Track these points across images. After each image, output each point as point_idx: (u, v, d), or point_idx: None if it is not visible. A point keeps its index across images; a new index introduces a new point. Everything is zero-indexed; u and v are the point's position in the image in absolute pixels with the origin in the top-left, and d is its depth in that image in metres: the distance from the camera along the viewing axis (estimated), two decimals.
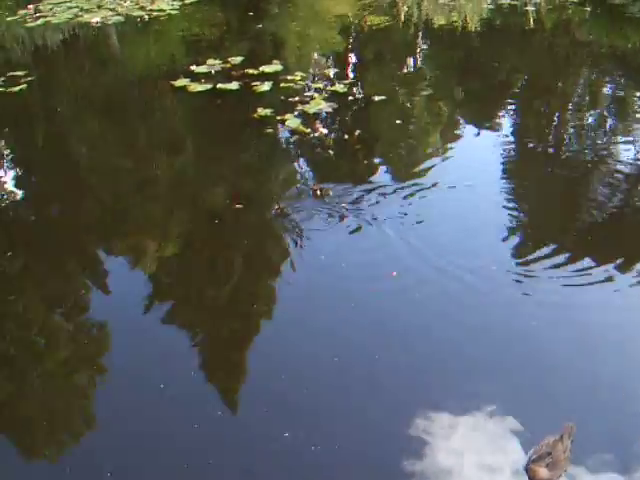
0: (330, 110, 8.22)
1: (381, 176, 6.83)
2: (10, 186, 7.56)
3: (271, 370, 4.54)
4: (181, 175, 7.41)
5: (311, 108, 8.25)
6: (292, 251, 5.75)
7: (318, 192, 6.59)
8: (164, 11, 13.81)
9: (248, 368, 4.64)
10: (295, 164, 7.20)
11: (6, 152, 8.73)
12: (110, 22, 13.51)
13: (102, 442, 4.11)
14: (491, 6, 13.65)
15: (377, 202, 6.30)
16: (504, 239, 5.69)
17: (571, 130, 8.04)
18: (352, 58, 10.80)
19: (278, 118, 8.08)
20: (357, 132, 7.62)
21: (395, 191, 6.52)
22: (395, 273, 5.29)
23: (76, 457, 4.07)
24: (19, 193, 7.46)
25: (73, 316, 5.45)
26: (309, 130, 7.70)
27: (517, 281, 5.15)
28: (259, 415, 4.17)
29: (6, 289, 5.69)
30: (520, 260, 5.41)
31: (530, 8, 13.17)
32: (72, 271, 6.06)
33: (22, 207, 7.27)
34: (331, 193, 6.48)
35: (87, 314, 5.37)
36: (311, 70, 10.12)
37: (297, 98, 8.62)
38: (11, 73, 10.68)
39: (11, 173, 7.99)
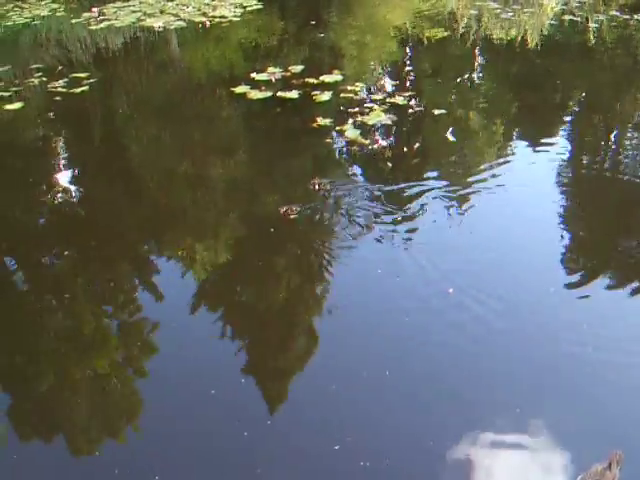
0: (389, 122, 8.20)
1: (436, 192, 6.80)
2: (65, 185, 7.71)
3: (320, 380, 4.55)
4: (236, 181, 7.45)
5: (370, 119, 8.26)
6: (345, 262, 5.76)
7: (316, 186, 6.77)
8: (226, 18, 13.92)
9: (297, 377, 4.65)
10: (353, 176, 7.19)
11: (64, 151, 8.88)
12: (172, 27, 13.68)
13: (149, 445, 4.17)
14: (553, 22, 13.53)
15: (434, 221, 6.28)
16: (560, 261, 5.63)
17: (629, 151, 7.93)
18: (409, 69, 10.78)
19: (337, 128, 8.11)
20: (416, 145, 7.61)
21: (450, 207, 6.51)
22: (452, 290, 5.26)
23: (123, 458, 4.09)
24: (74, 192, 7.58)
25: (123, 317, 5.50)
26: (368, 141, 7.71)
27: (566, 302, 5.10)
28: (309, 426, 4.20)
29: (60, 287, 5.80)
30: (574, 283, 5.33)
31: (592, 25, 13.03)
32: (123, 271, 6.14)
33: (77, 206, 7.38)
34: (329, 187, 6.69)
35: (137, 315, 5.43)
36: (370, 81, 10.13)
37: (357, 109, 8.63)
38: (74, 74, 10.88)
39: (67, 172, 8.13)
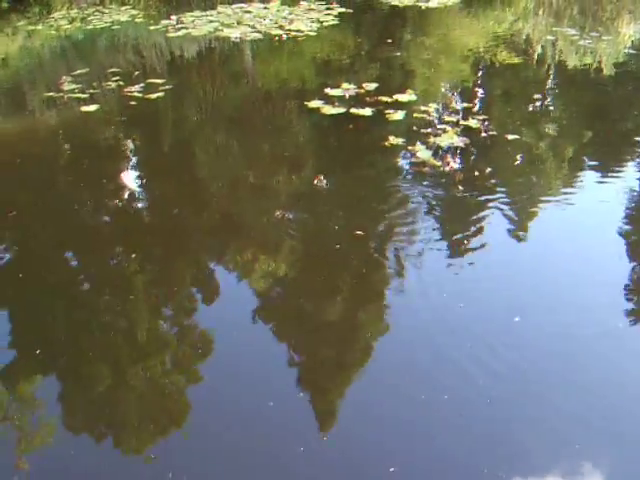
0: (462, 145, 8.17)
1: (503, 218, 6.76)
2: (133, 188, 7.84)
3: (378, 399, 4.53)
4: (303, 196, 7.48)
5: (443, 141, 8.22)
6: (410, 282, 5.75)
7: (317, 182, 7.18)
8: (302, 32, 14.01)
9: (354, 395, 4.62)
10: (422, 197, 7.17)
11: (135, 155, 9.03)
12: (248, 38, 13.82)
13: (201, 451, 4.17)
14: (630, 50, 13.33)
15: (498, 246, 6.28)
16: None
17: None
18: (482, 92, 10.71)
19: (409, 148, 8.09)
20: (488, 170, 7.55)
21: (516, 234, 6.52)
22: (518, 319, 5.19)
23: (177, 464, 4.12)
24: (141, 195, 7.71)
25: (180, 321, 5.57)
26: (440, 163, 7.68)
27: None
28: (365, 445, 4.18)
29: (122, 288, 5.90)
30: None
31: None
32: (184, 276, 6.20)
33: (143, 209, 7.52)
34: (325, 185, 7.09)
35: (194, 321, 5.51)
36: (443, 102, 10.09)
37: (429, 130, 8.61)
38: (150, 80, 11.06)
39: (136, 175, 8.28)
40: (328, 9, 16.20)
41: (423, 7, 16.53)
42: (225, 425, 4.37)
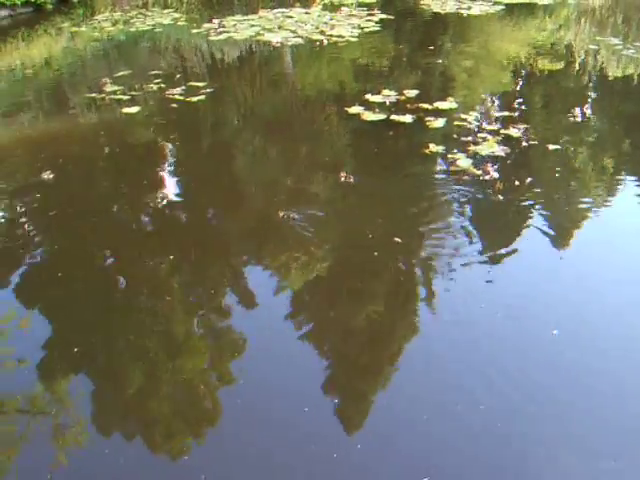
0: (503, 154, 8.12)
1: (541, 231, 6.70)
2: (171, 189, 7.89)
3: (411, 407, 4.49)
4: (341, 201, 7.48)
5: (483, 150, 8.18)
6: (447, 291, 5.72)
7: (343, 178, 7.30)
8: (343, 37, 14.04)
9: (389, 403, 4.59)
10: (462, 205, 7.14)
11: (174, 157, 9.09)
12: (289, 43, 13.87)
13: (232, 455, 4.19)
14: None
15: (535, 259, 6.25)
16: None
17: None
18: (522, 101, 10.64)
19: (449, 156, 8.06)
20: (529, 180, 7.50)
21: (553, 242, 6.49)
22: (556, 332, 5.13)
23: (210, 466, 4.14)
24: (179, 197, 7.75)
25: (215, 323, 5.59)
26: (480, 172, 7.64)
27: None
28: (398, 454, 4.15)
29: (158, 289, 5.96)
30: None
31: None
32: (220, 278, 6.22)
33: (180, 211, 7.54)
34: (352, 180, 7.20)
35: (228, 323, 5.52)
36: (483, 110, 10.05)
37: (470, 138, 8.57)
38: (191, 83, 11.15)
39: (174, 177, 8.33)
40: (369, 15, 16.20)
41: (465, 14, 16.49)
42: (258, 429, 4.36)
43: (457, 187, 7.40)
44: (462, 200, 7.18)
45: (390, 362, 5.05)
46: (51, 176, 7.84)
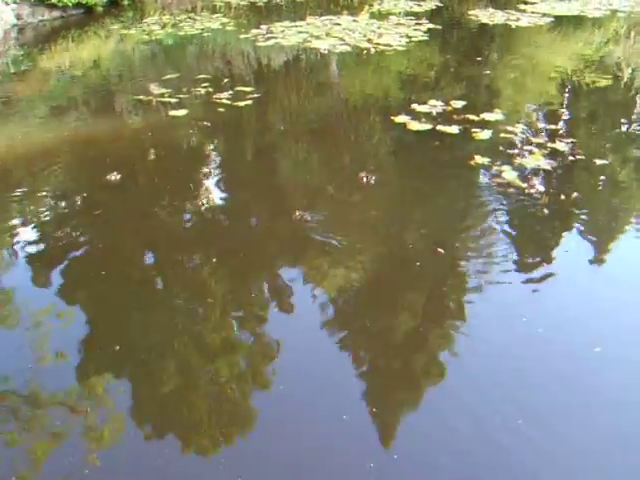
0: (549, 167, 8.06)
1: (587, 243, 6.69)
2: (214, 192, 7.96)
3: (450, 417, 4.48)
4: (382, 209, 7.49)
5: (529, 162, 8.13)
6: (488, 304, 5.70)
7: (364, 179, 7.50)
8: (390, 46, 14.04)
9: (427, 413, 4.58)
10: (506, 218, 7.11)
11: (218, 160, 9.15)
12: (337, 50, 13.91)
13: (268, 460, 4.20)
14: None
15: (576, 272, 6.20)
16: None
17: None
18: (568, 115, 10.56)
19: (495, 168, 8.03)
20: (575, 194, 7.43)
21: (596, 258, 6.46)
22: (598, 349, 5.08)
23: (245, 470, 4.14)
24: (222, 200, 7.82)
25: (252, 328, 5.60)
26: (525, 185, 7.59)
27: None
28: (436, 466, 4.15)
29: (198, 291, 6.00)
30: None
31: None
32: (260, 283, 6.24)
33: (222, 214, 7.60)
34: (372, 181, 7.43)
35: (266, 328, 5.54)
36: (529, 123, 9.99)
37: (516, 150, 8.53)
38: (238, 88, 11.23)
39: (218, 181, 8.38)
40: (417, 24, 16.20)
41: (513, 26, 16.41)
42: (294, 435, 4.38)
43: (502, 199, 7.36)
44: (507, 213, 7.15)
45: (428, 374, 5.04)
46: (118, 177, 7.92)
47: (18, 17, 17.21)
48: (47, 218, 7.31)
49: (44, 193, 7.89)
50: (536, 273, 6.10)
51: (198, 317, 5.68)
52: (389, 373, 5.05)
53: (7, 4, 16.72)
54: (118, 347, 5.20)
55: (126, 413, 4.62)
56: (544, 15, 17.60)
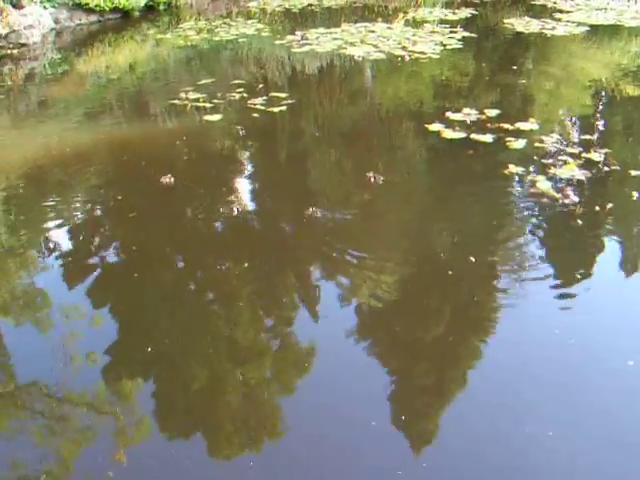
0: (583, 178, 8.00)
1: (621, 255, 6.66)
2: (246, 197, 8.04)
3: (478, 428, 4.47)
4: (415, 217, 7.52)
5: (563, 173, 8.08)
6: (520, 314, 5.68)
7: (372, 179, 7.64)
8: (425, 54, 14.02)
9: (454, 424, 4.56)
10: (539, 228, 7.07)
11: (251, 165, 9.19)
12: (371, 57, 13.92)
13: (295, 467, 4.23)
14: None
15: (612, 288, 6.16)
16: None
17: None
18: (603, 125, 10.47)
19: (529, 178, 7.99)
20: (609, 205, 7.37)
21: (630, 271, 6.42)
22: (632, 363, 5.02)
23: (273, 475, 4.17)
24: (253, 205, 7.88)
25: (282, 333, 5.63)
26: (559, 195, 7.54)
27: None
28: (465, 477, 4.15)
29: (229, 295, 6.06)
30: None
31: None
32: (291, 288, 6.26)
33: (254, 219, 7.64)
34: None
35: (296, 333, 5.56)
36: (564, 133, 9.93)
37: (550, 160, 8.47)
38: (273, 94, 11.28)
39: (250, 185, 8.46)
40: (452, 32, 16.17)
41: (549, 35, 16.32)
42: (323, 440, 4.40)
43: (536, 209, 7.32)
44: (540, 223, 7.12)
45: (458, 382, 5.03)
46: (153, 180, 7.98)
47: (56, 21, 17.42)
48: (81, 219, 7.39)
49: (78, 194, 7.99)
50: (569, 284, 6.06)
51: (228, 320, 5.71)
52: (417, 381, 5.06)
53: (45, 8, 16.91)
54: (150, 349, 5.24)
55: (154, 414, 4.68)
56: (580, 24, 17.48)
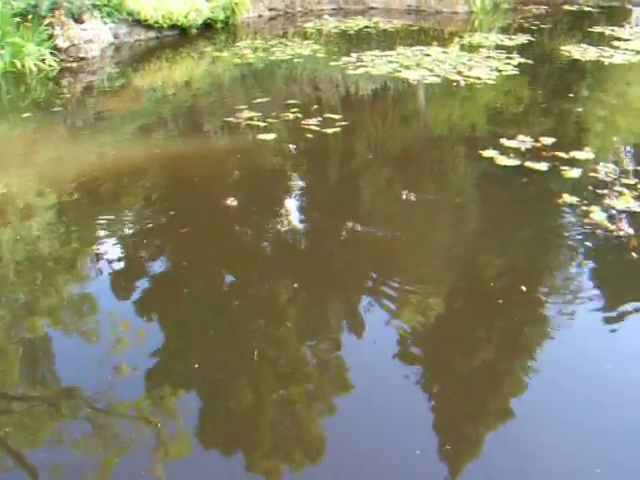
0: (638, 210, 7.85)
1: None
2: (295, 216, 8.09)
3: (520, 455, 4.42)
4: (465, 244, 7.48)
5: (619, 204, 7.97)
6: (570, 348, 5.60)
7: (404, 196, 7.75)
8: (480, 79, 13.96)
9: (498, 455, 4.52)
10: (592, 260, 6.98)
11: (304, 186, 9.22)
12: (426, 81, 13.90)
13: None
14: None
15: None
16: None
17: None
18: None
19: (583, 208, 7.88)
20: None
21: None
22: None
23: None
24: (302, 224, 7.91)
25: (324, 351, 5.65)
26: (613, 227, 7.43)
27: None
28: None
29: (274, 314, 6.07)
30: None
31: None
32: (336, 309, 6.28)
33: (301, 237, 7.72)
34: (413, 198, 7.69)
35: (337, 353, 5.58)
36: (620, 163, 9.79)
37: (605, 191, 8.35)
38: (327, 115, 11.31)
39: (299, 204, 8.51)
40: (508, 58, 16.08)
41: (606, 63, 16.14)
42: (364, 467, 4.36)
43: (589, 240, 7.22)
44: (594, 254, 7.03)
45: (503, 410, 4.96)
46: (235, 203, 8.05)
47: (115, 36, 17.71)
48: (133, 233, 7.48)
49: (131, 208, 8.08)
50: (622, 319, 5.96)
51: (274, 340, 5.71)
52: (462, 410, 5.00)
53: (106, 23, 17.21)
54: (197, 365, 5.26)
55: (196, 429, 4.70)
56: (638, 52, 17.27)
